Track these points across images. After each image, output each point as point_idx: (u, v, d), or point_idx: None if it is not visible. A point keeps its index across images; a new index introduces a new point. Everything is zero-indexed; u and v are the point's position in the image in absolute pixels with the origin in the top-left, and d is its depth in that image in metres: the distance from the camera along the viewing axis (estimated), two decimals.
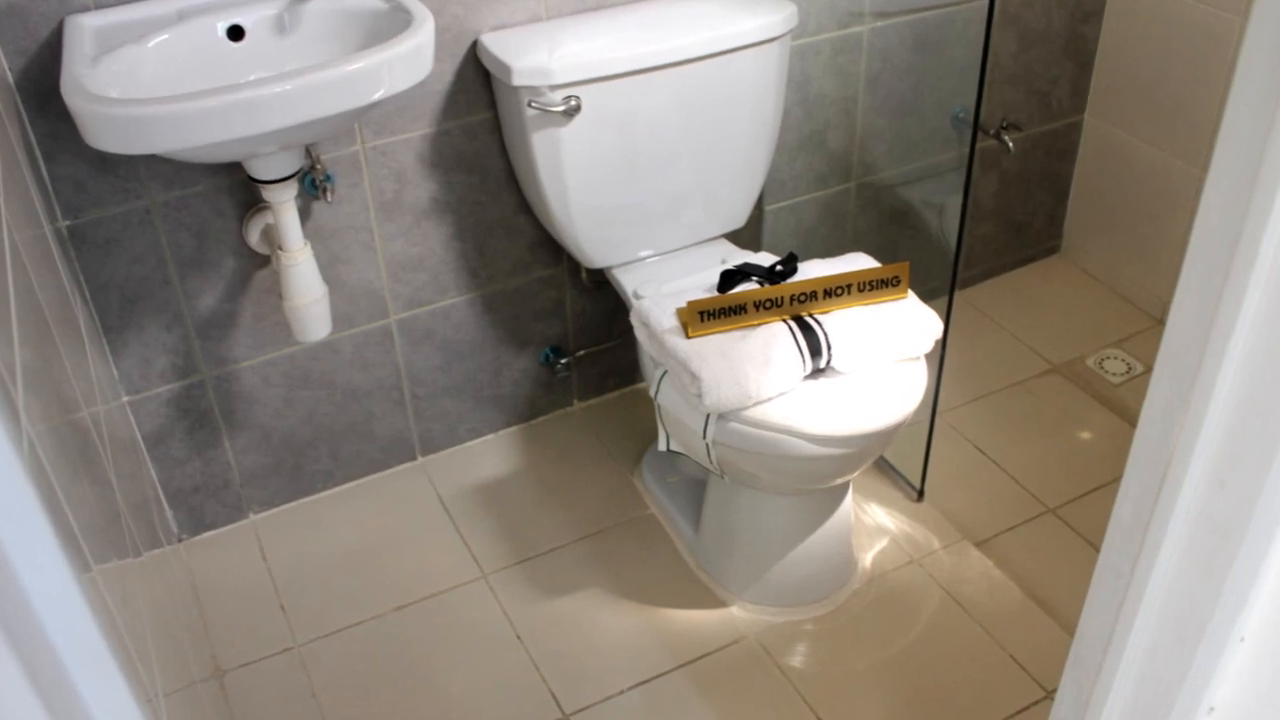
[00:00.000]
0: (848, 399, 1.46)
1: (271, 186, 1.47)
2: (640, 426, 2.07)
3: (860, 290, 1.53)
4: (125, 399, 1.70)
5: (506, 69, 1.55)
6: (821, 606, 1.73)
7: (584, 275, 1.96)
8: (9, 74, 1.40)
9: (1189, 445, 0.62)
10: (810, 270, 1.60)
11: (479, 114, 1.73)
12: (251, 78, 1.45)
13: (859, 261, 1.61)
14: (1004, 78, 2.19)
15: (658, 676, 1.64)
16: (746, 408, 1.44)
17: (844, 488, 1.68)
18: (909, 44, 1.99)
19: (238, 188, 1.62)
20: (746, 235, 2.01)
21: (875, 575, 1.78)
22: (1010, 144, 2.15)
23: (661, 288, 1.66)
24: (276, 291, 1.70)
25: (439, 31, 1.61)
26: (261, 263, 1.70)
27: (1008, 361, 2.23)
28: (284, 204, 1.50)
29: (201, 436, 1.80)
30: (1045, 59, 2.21)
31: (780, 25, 1.66)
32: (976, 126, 1.61)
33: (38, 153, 1.46)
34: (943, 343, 1.64)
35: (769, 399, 1.44)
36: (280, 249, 1.54)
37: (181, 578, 1.74)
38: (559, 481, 1.99)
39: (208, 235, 1.63)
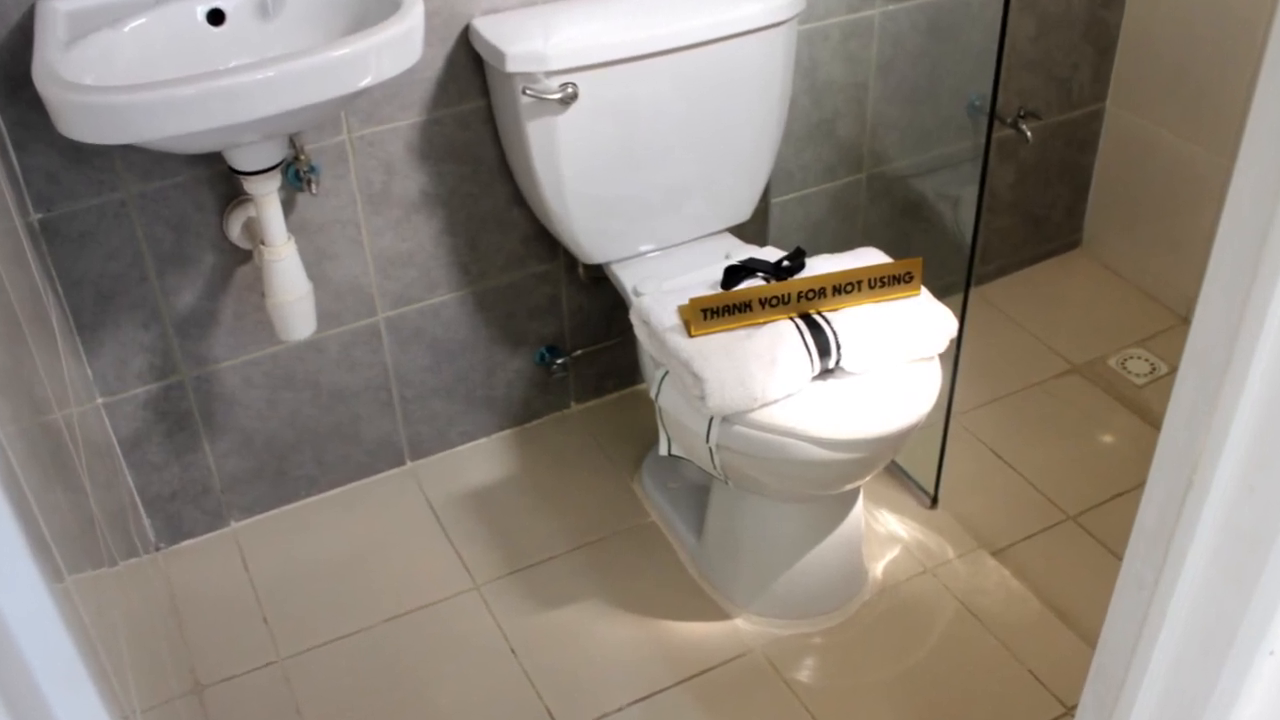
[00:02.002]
0: (858, 401, 1.46)
1: (253, 178, 1.47)
2: (640, 429, 2.07)
3: (871, 287, 1.53)
4: (100, 401, 1.70)
5: (500, 55, 1.55)
6: (830, 618, 1.73)
7: (581, 271, 1.96)
8: None
9: (1216, 449, 0.62)
10: (818, 266, 1.60)
11: (471, 102, 1.73)
12: (232, 64, 1.45)
13: (870, 257, 1.61)
14: (1022, 64, 2.19)
15: (658, 692, 1.64)
16: (752, 410, 1.44)
17: (854, 494, 1.68)
18: (922, 28, 1.99)
19: (218, 179, 1.62)
20: (752, 229, 2.01)
21: (887, 585, 1.78)
22: (1028, 133, 2.15)
23: (663, 284, 1.66)
24: (259, 288, 1.70)
25: (429, 15, 1.61)
26: (243, 258, 1.70)
27: (1025, 361, 2.23)
28: (267, 196, 1.49)
29: (180, 440, 1.80)
30: (1065, 44, 2.21)
31: (787, 8, 1.66)
32: (993, 115, 1.61)
33: (8, 142, 1.46)
34: (958, 342, 1.64)
35: (775, 401, 1.44)
36: (263, 244, 1.54)
37: (159, 588, 1.74)
38: (555, 487, 1.99)
39: (186, 229, 1.63)
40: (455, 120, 1.73)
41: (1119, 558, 0.73)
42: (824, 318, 1.50)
